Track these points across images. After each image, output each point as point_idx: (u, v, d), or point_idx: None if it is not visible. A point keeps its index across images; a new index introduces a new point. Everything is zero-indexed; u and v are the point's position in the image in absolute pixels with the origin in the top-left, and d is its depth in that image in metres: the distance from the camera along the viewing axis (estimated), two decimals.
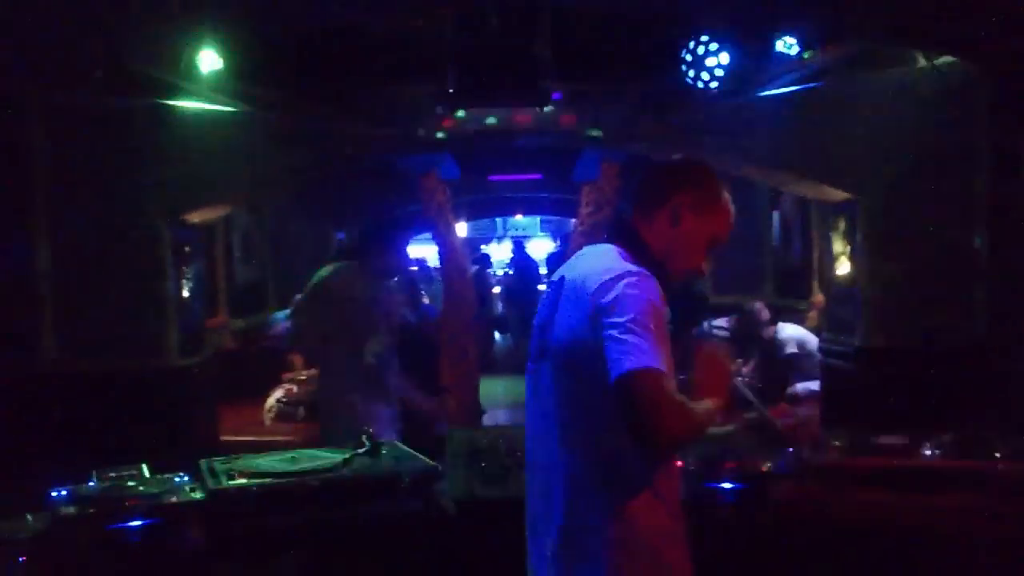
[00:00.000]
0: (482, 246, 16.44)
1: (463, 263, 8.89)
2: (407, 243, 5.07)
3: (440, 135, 6.11)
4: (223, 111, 5.74)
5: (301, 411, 6.92)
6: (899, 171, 5.81)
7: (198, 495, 2.90)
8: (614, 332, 2.02)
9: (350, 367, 4.52)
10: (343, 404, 4.44)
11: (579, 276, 2.22)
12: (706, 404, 2.16)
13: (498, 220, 17.68)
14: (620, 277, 2.11)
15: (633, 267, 2.17)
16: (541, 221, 17.41)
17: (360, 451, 3.17)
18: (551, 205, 13.27)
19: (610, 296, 2.08)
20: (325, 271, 4.77)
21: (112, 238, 5.74)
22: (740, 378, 7.18)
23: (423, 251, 16.40)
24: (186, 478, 3.06)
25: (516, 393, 11.15)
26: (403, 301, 5.18)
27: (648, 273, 2.17)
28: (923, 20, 4.41)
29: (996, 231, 5.63)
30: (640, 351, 1.98)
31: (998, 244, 5.61)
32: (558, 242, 14.98)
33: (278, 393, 7.17)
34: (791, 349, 7.08)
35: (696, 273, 2.38)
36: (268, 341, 8.61)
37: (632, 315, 2.03)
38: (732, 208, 2.40)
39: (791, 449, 3.31)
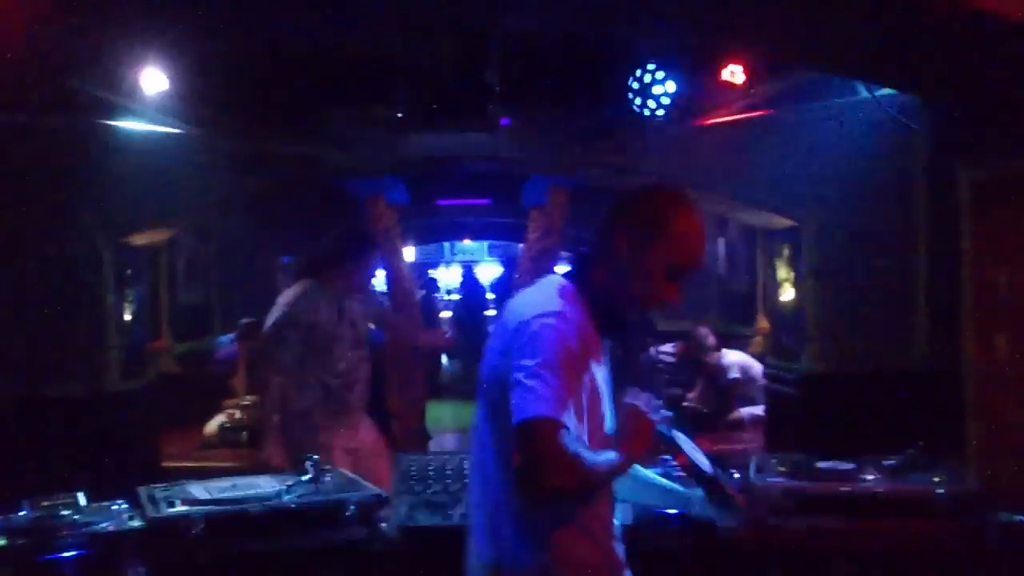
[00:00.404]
0: (429, 271, 16.40)
1: (410, 287, 8.86)
2: (375, 257, 5.05)
3: (389, 159, 6.08)
4: (167, 132, 5.66)
5: (244, 436, 6.80)
6: (841, 199, 5.91)
7: (136, 523, 2.83)
8: (520, 376, 2.00)
9: (315, 387, 4.50)
10: (307, 425, 4.40)
11: (510, 311, 2.21)
12: (609, 456, 2.12)
13: (446, 244, 17.65)
14: (539, 316, 2.08)
15: (558, 305, 2.14)
16: (489, 246, 17.43)
17: (303, 478, 3.12)
18: (499, 230, 13.28)
19: (524, 336, 2.07)
20: (288, 296, 4.71)
21: (52, 259, 5.62)
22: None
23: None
24: (124, 505, 2.98)
25: (464, 418, 11.09)
26: (370, 315, 5.10)
27: (571, 312, 2.13)
28: (864, 52, 4.49)
29: (934, 257, 5.75)
30: (541, 399, 1.96)
31: (936, 270, 5.73)
32: (504, 268, 15.00)
33: (221, 418, 7.05)
34: (734, 374, 7.15)
35: (660, 303, 2.30)
36: (213, 366, 8.47)
37: (541, 359, 2.01)
38: (699, 236, 2.32)
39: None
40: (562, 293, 2.20)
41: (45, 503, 2.95)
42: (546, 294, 2.20)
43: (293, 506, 2.91)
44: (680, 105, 5.44)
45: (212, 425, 6.99)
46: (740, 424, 6.91)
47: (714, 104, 5.69)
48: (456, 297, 15.23)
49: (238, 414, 7.02)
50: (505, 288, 12.27)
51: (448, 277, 17.48)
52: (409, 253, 11.89)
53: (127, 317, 6.05)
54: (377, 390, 7.77)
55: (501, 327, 2.20)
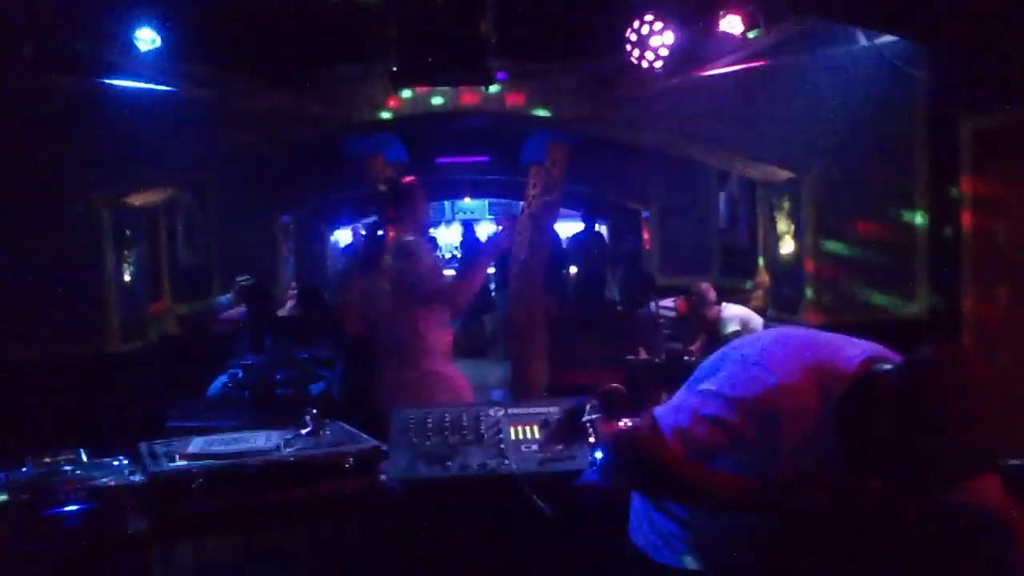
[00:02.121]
0: (430, 229, 16.32)
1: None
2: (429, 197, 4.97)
3: (385, 115, 6.04)
4: (163, 90, 5.62)
5: (247, 396, 6.82)
6: (841, 150, 5.89)
7: (137, 478, 2.84)
8: None
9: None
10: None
11: None
12: None
13: (446, 203, 17.58)
14: None
15: None
16: (490, 204, 17.36)
17: (303, 432, 3.13)
18: (499, 188, 13.23)
19: None
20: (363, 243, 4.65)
21: (49, 220, 5.61)
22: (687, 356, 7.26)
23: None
24: (125, 461, 2.99)
25: (466, 377, 11.10)
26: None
27: None
28: None
29: (934, 207, 5.73)
30: None
31: (936, 220, 5.71)
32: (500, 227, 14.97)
33: (223, 379, 7.06)
34: (734, 327, 7.15)
35: None
36: (216, 326, 8.48)
37: None
38: None
39: None
40: None
41: (47, 459, 2.97)
42: None
43: (292, 459, 2.92)
44: (678, 57, 5.39)
45: (215, 385, 7.01)
46: None
47: (712, 55, 5.64)
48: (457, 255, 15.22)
49: (241, 374, 7.03)
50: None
51: (448, 236, 17.43)
52: None
53: (127, 278, 6.05)
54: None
55: None
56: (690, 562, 2.18)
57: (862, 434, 1.84)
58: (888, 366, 1.88)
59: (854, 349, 1.96)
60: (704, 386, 2.02)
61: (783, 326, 2.07)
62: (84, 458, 3.02)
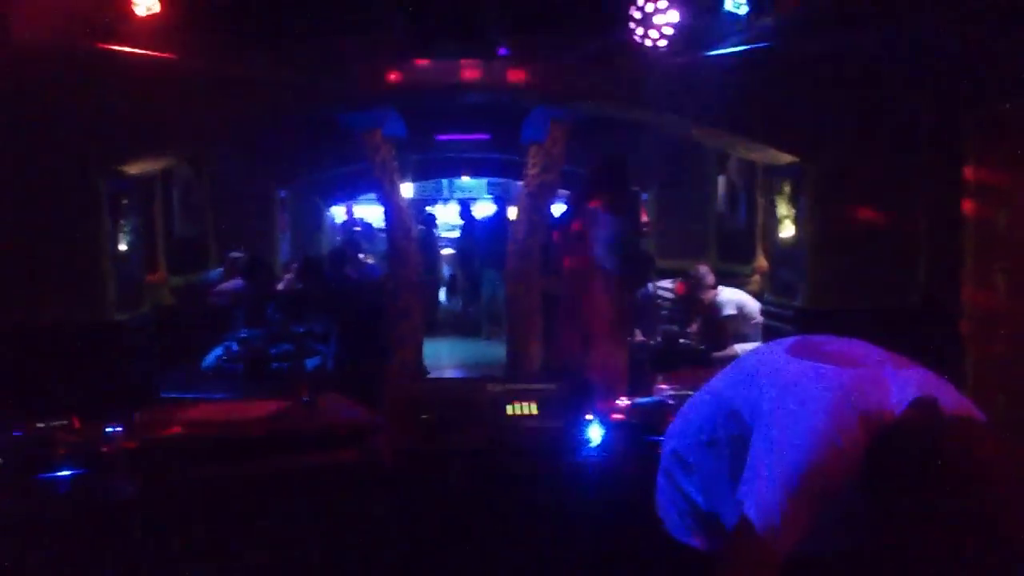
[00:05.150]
0: (427, 207, 16.30)
1: (408, 223, 8.80)
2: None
3: (386, 89, 5.98)
4: (161, 58, 5.56)
5: (241, 369, 6.81)
6: (844, 134, 5.86)
7: (130, 445, 2.83)
8: None
9: None
10: None
11: None
12: None
13: (444, 181, 17.53)
14: None
15: None
16: (488, 183, 17.31)
17: (299, 402, 3.12)
18: (498, 166, 13.18)
19: None
20: None
21: (45, 188, 5.57)
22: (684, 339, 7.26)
23: (367, 211, 16.23)
24: (119, 428, 2.98)
25: (461, 355, 11.13)
26: None
27: None
28: None
29: (935, 194, 5.72)
30: None
31: (937, 207, 5.70)
32: (496, 206, 14.92)
33: (218, 351, 7.05)
34: (730, 311, 7.15)
35: None
36: (212, 298, 8.46)
37: None
38: None
39: None
40: None
41: (41, 425, 2.96)
42: None
43: (287, 429, 2.91)
44: (682, 36, 5.35)
45: (210, 358, 6.99)
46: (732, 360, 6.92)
47: (717, 36, 5.59)
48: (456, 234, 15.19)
49: (236, 347, 7.02)
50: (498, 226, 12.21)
51: (446, 215, 17.39)
52: (407, 189, 11.82)
53: (122, 248, 6.02)
54: (375, 323, 7.82)
55: None
56: (700, 544, 2.20)
57: (885, 483, 1.79)
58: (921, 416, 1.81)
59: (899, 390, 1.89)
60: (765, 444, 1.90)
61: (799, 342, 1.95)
62: (77, 424, 3.01)
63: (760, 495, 1.84)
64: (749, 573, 1.86)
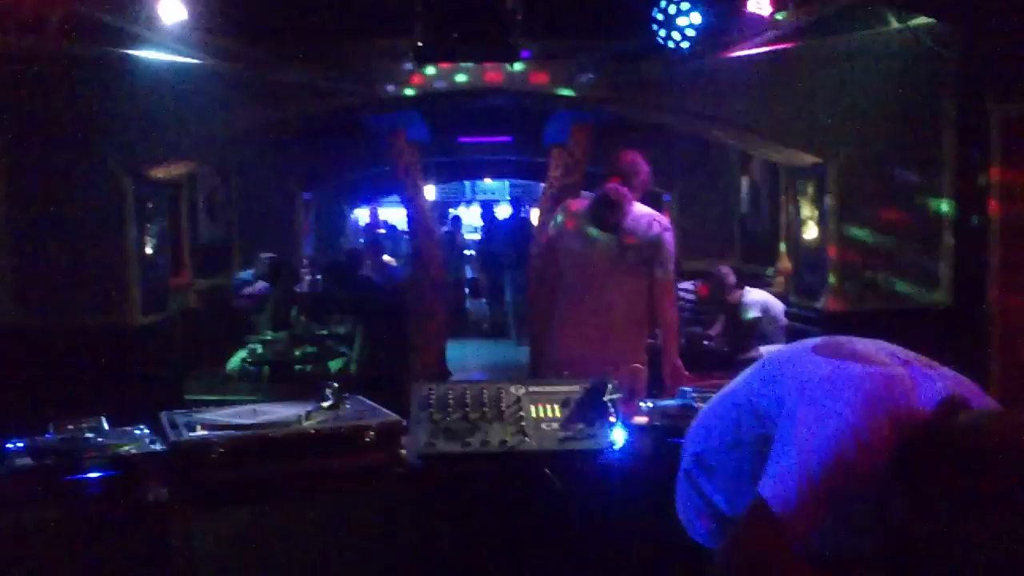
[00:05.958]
0: (450, 209, 16.35)
1: (431, 225, 8.84)
2: None
3: (409, 92, 6.01)
4: (187, 63, 5.62)
5: (266, 371, 6.87)
6: (868, 135, 5.83)
7: (158, 447, 2.85)
8: None
9: None
10: None
11: None
12: None
13: (467, 183, 17.57)
14: None
15: None
16: (511, 185, 17.33)
17: (324, 404, 3.13)
18: (520, 169, 13.20)
19: None
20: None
21: (73, 192, 5.64)
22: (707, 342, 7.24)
23: (391, 214, 16.30)
24: (146, 430, 3.01)
25: (484, 357, 11.15)
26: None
27: None
28: None
29: (962, 196, 5.67)
30: None
31: (964, 209, 5.65)
32: (513, 208, 14.93)
33: (242, 353, 7.10)
34: (755, 313, 7.12)
35: None
36: (237, 301, 8.53)
37: None
38: None
39: None
40: None
41: (70, 426, 2.99)
42: None
43: (313, 431, 2.92)
44: (705, 37, 5.33)
45: (234, 360, 7.05)
46: None
47: (739, 36, 5.58)
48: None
49: (260, 349, 7.07)
50: (520, 228, 12.22)
51: (469, 216, 17.43)
52: (430, 191, 11.86)
53: (148, 251, 6.07)
54: (399, 325, 7.84)
55: None
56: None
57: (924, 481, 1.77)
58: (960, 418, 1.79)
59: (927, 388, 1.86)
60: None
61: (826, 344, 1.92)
62: (106, 426, 3.04)
63: (777, 477, 1.82)
64: (754, 553, 1.82)
